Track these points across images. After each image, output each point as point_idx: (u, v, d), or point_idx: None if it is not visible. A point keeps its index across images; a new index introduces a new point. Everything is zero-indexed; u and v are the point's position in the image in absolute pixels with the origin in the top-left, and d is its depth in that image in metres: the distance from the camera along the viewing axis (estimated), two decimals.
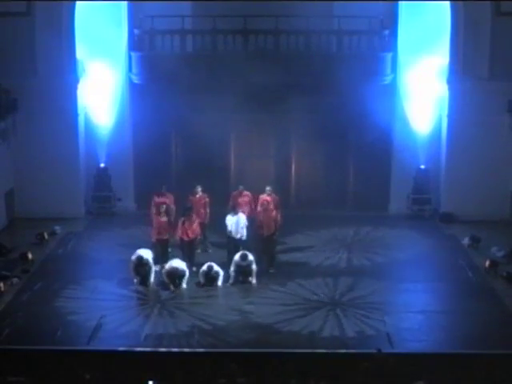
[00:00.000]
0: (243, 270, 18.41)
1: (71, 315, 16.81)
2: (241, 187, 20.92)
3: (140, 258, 18.26)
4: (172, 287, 18.10)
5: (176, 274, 18.15)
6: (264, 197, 20.35)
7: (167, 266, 18.25)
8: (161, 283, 18.37)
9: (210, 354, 14.90)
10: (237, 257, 18.37)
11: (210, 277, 18.29)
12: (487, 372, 14.20)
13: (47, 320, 16.56)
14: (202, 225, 20.08)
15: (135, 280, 18.34)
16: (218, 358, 14.56)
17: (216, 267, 18.38)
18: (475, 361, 14.49)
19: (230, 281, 18.37)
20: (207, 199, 20.59)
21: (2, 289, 17.80)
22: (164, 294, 17.96)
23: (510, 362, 14.51)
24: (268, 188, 20.59)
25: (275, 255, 19.62)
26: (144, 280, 18.34)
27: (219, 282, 18.33)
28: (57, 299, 17.68)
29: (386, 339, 15.63)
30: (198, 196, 20.59)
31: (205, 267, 18.29)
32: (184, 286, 18.21)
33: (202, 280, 18.37)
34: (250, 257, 18.38)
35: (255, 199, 20.58)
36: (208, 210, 20.52)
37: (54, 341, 15.49)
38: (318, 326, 16.27)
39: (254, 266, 18.41)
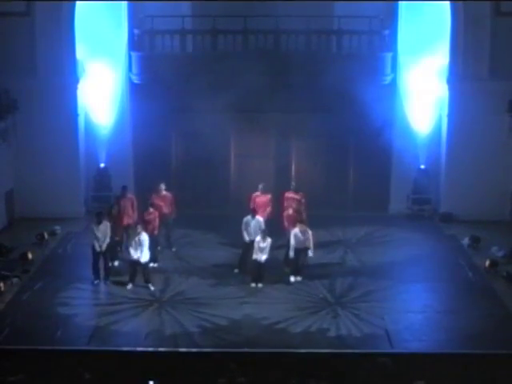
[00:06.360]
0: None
1: (71, 315, 16.81)
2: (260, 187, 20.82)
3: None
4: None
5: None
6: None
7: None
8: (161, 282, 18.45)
9: (210, 353, 14.91)
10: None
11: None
12: (487, 372, 14.22)
13: (47, 320, 16.55)
14: (164, 220, 20.29)
15: None
16: (218, 357, 14.57)
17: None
18: (475, 361, 14.51)
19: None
20: (170, 196, 20.63)
21: (2, 289, 17.80)
22: (164, 294, 17.97)
23: (510, 361, 14.53)
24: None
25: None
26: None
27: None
28: (57, 299, 17.67)
29: (385, 339, 15.64)
30: (162, 194, 20.54)
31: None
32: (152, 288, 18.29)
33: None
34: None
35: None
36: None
37: (53, 341, 15.50)
38: (318, 325, 16.27)
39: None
